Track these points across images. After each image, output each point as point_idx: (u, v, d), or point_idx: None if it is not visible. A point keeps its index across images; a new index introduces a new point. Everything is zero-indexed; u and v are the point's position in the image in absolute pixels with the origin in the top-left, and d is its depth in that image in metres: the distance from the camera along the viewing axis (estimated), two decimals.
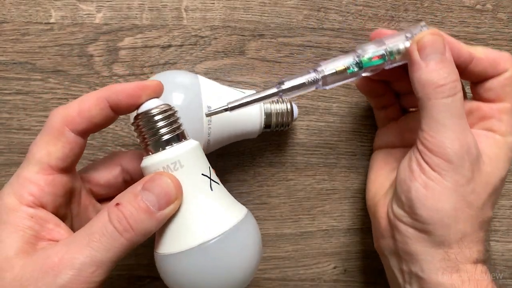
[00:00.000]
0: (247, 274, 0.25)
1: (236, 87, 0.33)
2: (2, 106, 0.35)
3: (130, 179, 0.30)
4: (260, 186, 0.37)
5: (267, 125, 0.33)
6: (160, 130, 0.24)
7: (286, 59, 0.35)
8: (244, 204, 0.37)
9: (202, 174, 0.25)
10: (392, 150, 0.33)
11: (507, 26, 0.36)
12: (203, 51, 0.35)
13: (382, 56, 0.27)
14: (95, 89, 0.35)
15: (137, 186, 0.24)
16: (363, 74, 0.28)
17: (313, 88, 0.27)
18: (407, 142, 0.31)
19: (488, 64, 0.27)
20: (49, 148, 0.24)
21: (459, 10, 0.36)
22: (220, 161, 0.36)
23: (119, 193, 0.30)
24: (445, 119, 0.25)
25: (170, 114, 0.25)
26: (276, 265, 0.37)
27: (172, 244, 0.24)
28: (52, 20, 0.34)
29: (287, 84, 0.27)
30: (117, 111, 0.25)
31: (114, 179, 0.29)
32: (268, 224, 0.37)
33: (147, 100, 0.25)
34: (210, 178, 0.25)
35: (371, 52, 0.27)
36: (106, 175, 0.29)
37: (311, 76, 0.27)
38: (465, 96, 0.30)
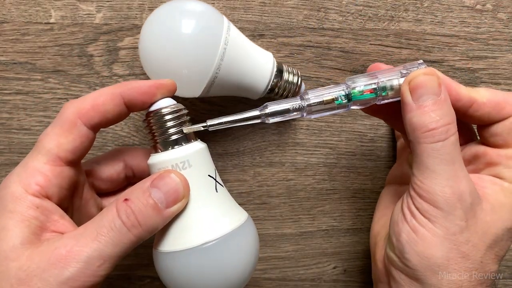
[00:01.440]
0: (243, 278, 0.25)
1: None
2: (2, 106, 0.35)
3: (132, 175, 0.30)
4: (260, 186, 0.37)
5: (273, 88, 0.32)
6: (171, 129, 0.25)
7: (286, 59, 0.35)
8: (244, 204, 0.37)
9: (209, 175, 0.25)
10: (401, 188, 0.32)
11: (507, 26, 0.36)
12: None
13: (373, 91, 0.26)
14: (95, 89, 0.35)
15: (146, 183, 0.24)
16: (352, 107, 0.27)
17: (298, 116, 0.26)
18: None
19: (491, 108, 0.26)
20: (60, 139, 0.24)
21: (459, 10, 0.36)
22: (220, 161, 0.36)
23: (120, 188, 0.30)
24: (434, 165, 0.24)
25: (181, 115, 0.26)
26: (276, 265, 0.37)
27: (173, 242, 0.24)
28: (52, 20, 0.34)
29: (271, 108, 0.26)
30: (131, 107, 0.26)
31: (116, 174, 0.29)
32: (268, 224, 0.37)
33: (160, 99, 0.26)
34: (215, 179, 0.26)
35: (362, 85, 0.26)
36: (109, 170, 0.29)
37: (297, 103, 0.26)
38: (473, 138, 0.29)
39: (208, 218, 0.24)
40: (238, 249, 0.25)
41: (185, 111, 0.26)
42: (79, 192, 0.27)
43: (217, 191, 0.25)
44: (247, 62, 0.30)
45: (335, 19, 0.35)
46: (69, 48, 0.34)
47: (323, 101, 0.26)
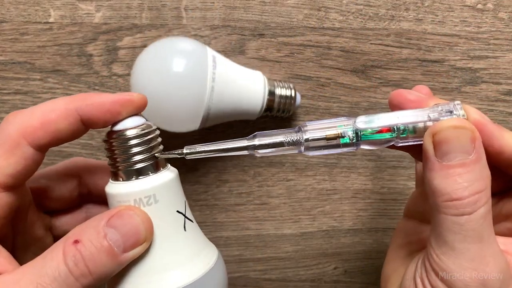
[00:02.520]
0: None
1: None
2: (1, 106, 0.35)
3: (88, 193, 0.26)
4: (260, 186, 0.36)
5: (269, 107, 0.32)
6: (137, 156, 0.21)
7: (286, 59, 0.35)
8: (244, 205, 0.37)
9: (177, 211, 0.22)
10: (421, 227, 0.26)
11: (508, 26, 0.36)
12: None
13: (390, 130, 0.21)
14: (94, 89, 0.35)
15: (101, 221, 0.20)
16: (363, 147, 0.22)
17: (294, 151, 0.22)
18: None
19: None
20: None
21: (460, 9, 0.35)
22: (220, 161, 0.36)
23: (71, 206, 0.26)
24: (455, 242, 0.19)
25: (151, 138, 0.22)
26: (276, 265, 0.37)
27: None
28: (51, 20, 0.34)
29: (260, 140, 0.22)
30: (89, 126, 0.21)
31: (68, 193, 0.25)
32: (268, 225, 0.37)
33: (126, 117, 0.21)
34: (185, 216, 0.22)
35: (376, 126, 0.21)
36: (60, 188, 0.25)
37: (292, 136, 0.22)
38: None
39: (174, 263, 0.21)
40: None
41: (156, 133, 0.22)
42: (22, 215, 0.23)
43: (185, 230, 0.22)
44: (238, 88, 0.30)
45: (336, 19, 0.35)
46: (68, 48, 0.34)
47: (325, 136, 0.21)
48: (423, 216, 0.27)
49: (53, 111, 0.21)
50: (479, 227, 0.19)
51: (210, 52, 0.30)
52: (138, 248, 0.20)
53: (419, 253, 0.23)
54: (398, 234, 0.27)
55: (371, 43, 0.35)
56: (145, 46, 0.35)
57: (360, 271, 0.38)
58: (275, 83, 0.33)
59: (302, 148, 0.22)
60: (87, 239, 0.19)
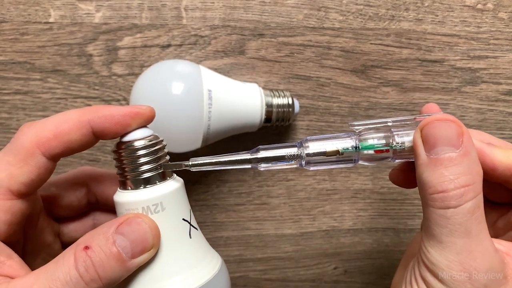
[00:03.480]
0: None
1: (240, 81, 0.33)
2: (1, 106, 0.35)
3: (95, 201, 0.27)
4: (260, 186, 0.36)
5: (268, 118, 0.33)
6: (144, 166, 0.22)
7: (286, 59, 0.35)
8: (244, 205, 0.37)
9: (183, 219, 0.22)
10: None
11: (508, 26, 0.36)
12: (202, 51, 0.35)
13: (386, 144, 0.22)
14: (94, 89, 0.35)
15: (110, 228, 0.20)
16: (361, 162, 0.23)
17: (295, 165, 0.23)
18: None
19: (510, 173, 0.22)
20: (13, 170, 0.21)
21: (460, 9, 0.35)
22: None
23: (80, 214, 0.27)
24: (442, 235, 0.20)
25: (158, 149, 0.22)
26: (276, 265, 0.37)
27: None
28: (51, 20, 0.34)
29: (263, 154, 0.23)
30: (100, 137, 0.22)
31: (77, 201, 0.26)
32: (268, 225, 0.37)
33: (136, 129, 0.22)
34: (190, 223, 0.23)
35: (373, 137, 0.22)
36: (69, 196, 0.26)
37: (293, 150, 0.23)
38: None
39: (179, 270, 0.22)
40: None
41: (163, 144, 0.23)
42: (33, 222, 0.24)
43: (190, 237, 0.22)
44: (235, 104, 0.31)
45: (336, 19, 0.35)
46: (68, 48, 0.34)
47: (325, 151, 0.22)
48: None
49: (67, 123, 0.21)
50: (465, 221, 0.19)
51: (205, 72, 0.30)
52: (145, 254, 0.21)
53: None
54: (412, 245, 0.28)
55: (371, 43, 0.35)
56: (145, 46, 0.35)
57: (360, 271, 0.38)
58: (272, 93, 0.33)
59: (303, 162, 0.23)
60: (96, 245, 0.20)
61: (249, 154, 0.23)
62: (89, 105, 0.35)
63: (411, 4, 0.35)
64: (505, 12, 0.36)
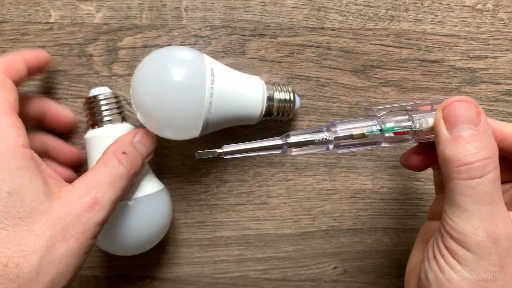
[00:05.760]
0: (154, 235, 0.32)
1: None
2: None
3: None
4: (260, 186, 0.36)
5: (269, 110, 0.32)
6: (106, 112, 0.31)
7: (286, 59, 0.35)
8: (244, 204, 0.37)
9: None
10: None
11: (507, 26, 0.36)
12: (203, 51, 0.35)
13: (406, 126, 0.24)
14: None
15: (133, 138, 0.30)
16: (383, 145, 0.25)
17: (323, 149, 0.24)
18: None
19: None
20: (3, 94, 0.26)
21: (459, 9, 0.35)
22: (220, 161, 0.36)
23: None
24: (467, 204, 0.22)
25: (117, 101, 0.32)
26: (276, 265, 0.37)
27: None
28: (51, 20, 0.34)
29: (294, 138, 0.24)
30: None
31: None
32: (268, 225, 0.37)
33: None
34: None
35: (394, 120, 0.24)
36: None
37: (322, 135, 0.24)
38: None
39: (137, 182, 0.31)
40: (153, 209, 0.31)
41: (118, 99, 0.32)
42: None
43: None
44: (237, 96, 0.30)
45: (335, 19, 0.35)
46: (68, 48, 0.34)
47: (352, 134, 0.24)
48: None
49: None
50: (489, 190, 0.22)
51: (208, 60, 0.30)
52: (149, 157, 0.31)
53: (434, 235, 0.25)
54: (422, 233, 0.30)
55: (371, 43, 0.35)
56: (145, 46, 0.35)
57: (360, 271, 0.38)
58: (274, 87, 0.33)
59: (331, 146, 0.24)
60: (130, 151, 0.29)
61: (280, 140, 0.24)
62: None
63: (410, 4, 0.35)
64: (505, 12, 0.36)
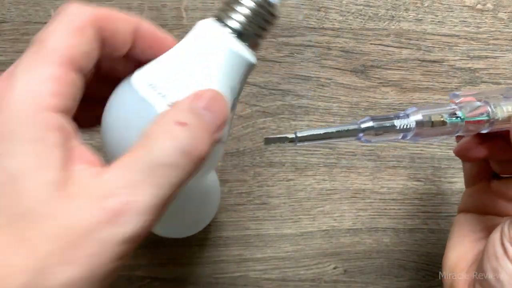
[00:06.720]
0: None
1: None
2: None
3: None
4: (260, 186, 0.36)
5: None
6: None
7: (286, 59, 0.35)
8: (244, 204, 0.37)
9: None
10: (481, 217, 0.28)
11: (507, 26, 0.36)
12: None
13: (485, 113, 0.23)
14: None
15: (198, 103, 0.18)
16: (457, 134, 0.24)
17: (398, 137, 0.22)
18: (501, 211, 0.28)
19: None
20: (71, 39, 0.18)
21: (459, 9, 0.35)
22: (220, 161, 0.36)
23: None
24: None
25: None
26: (276, 265, 0.37)
27: None
28: None
29: (371, 123, 0.21)
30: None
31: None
32: (268, 225, 0.37)
33: None
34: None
35: (471, 106, 0.23)
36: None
37: (403, 121, 0.22)
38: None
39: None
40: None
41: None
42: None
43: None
44: None
45: (335, 19, 0.35)
46: None
47: (432, 121, 0.22)
48: (481, 209, 0.28)
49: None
50: None
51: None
52: (224, 129, 0.19)
53: (490, 235, 0.24)
54: (459, 226, 0.29)
55: (371, 43, 0.35)
56: None
57: (360, 271, 0.38)
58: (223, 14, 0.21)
59: (409, 134, 0.22)
60: (193, 124, 0.18)
61: (357, 125, 0.21)
62: None
63: (410, 4, 0.35)
64: (505, 12, 0.36)
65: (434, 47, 0.36)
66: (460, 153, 0.27)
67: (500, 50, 0.36)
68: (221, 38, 0.20)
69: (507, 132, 0.23)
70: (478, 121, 0.23)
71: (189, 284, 0.37)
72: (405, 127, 0.22)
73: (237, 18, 0.20)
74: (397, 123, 0.21)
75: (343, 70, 0.36)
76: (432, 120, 0.22)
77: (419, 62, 0.36)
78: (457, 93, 0.24)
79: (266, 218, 0.37)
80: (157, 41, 0.21)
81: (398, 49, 0.35)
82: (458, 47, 0.36)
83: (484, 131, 0.24)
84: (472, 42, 0.36)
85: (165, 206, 0.17)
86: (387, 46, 0.35)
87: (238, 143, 0.36)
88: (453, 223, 0.30)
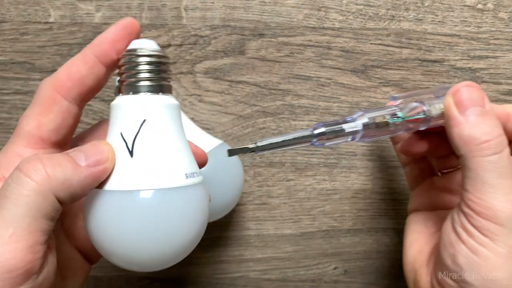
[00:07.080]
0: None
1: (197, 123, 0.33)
2: (1, 106, 0.35)
3: None
4: (260, 186, 0.36)
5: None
6: (142, 74, 0.22)
7: (286, 59, 0.35)
8: (244, 204, 0.37)
9: (121, 135, 0.22)
10: (431, 213, 0.30)
11: (508, 26, 0.36)
12: (202, 51, 0.35)
13: (422, 112, 0.25)
14: None
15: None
16: (400, 132, 0.26)
17: (349, 139, 0.24)
18: (448, 204, 0.29)
19: None
20: (40, 119, 0.22)
21: (460, 9, 0.35)
22: None
23: None
24: (492, 179, 0.23)
25: (160, 62, 0.22)
26: (277, 265, 0.37)
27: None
28: (51, 20, 0.34)
29: (322, 129, 0.24)
30: (106, 62, 0.23)
31: None
32: (268, 225, 0.37)
33: (135, 40, 0.23)
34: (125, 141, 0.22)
35: (411, 106, 0.25)
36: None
37: (350, 125, 0.24)
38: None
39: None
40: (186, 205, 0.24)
41: (167, 61, 0.23)
42: None
43: (131, 156, 0.22)
44: None
45: (336, 19, 0.35)
46: (68, 48, 0.34)
47: (376, 123, 0.24)
48: (429, 206, 0.30)
49: (74, 63, 0.23)
50: (509, 164, 0.23)
51: None
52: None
53: (442, 226, 0.25)
54: (412, 224, 0.30)
55: (371, 43, 0.35)
56: None
57: (360, 271, 0.38)
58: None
59: (357, 136, 0.24)
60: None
61: (310, 131, 0.23)
62: (89, 105, 0.35)
63: (411, 4, 0.35)
64: (505, 12, 0.36)
65: (434, 47, 0.35)
66: (404, 149, 0.29)
67: (500, 50, 0.36)
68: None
69: (442, 127, 0.25)
70: (417, 119, 0.25)
71: (189, 284, 0.37)
72: (353, 130, 0.24)
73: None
74: (346, 127, 0.24)
75: (343, 70, 0.35)
76: (376, 121, 0.24)
77: (420, 62, 0.36)
78: (396, 95, 0.26)
79: (266, 218, 0.37)
80: None
81: (398, 49, 0.35)
82: (459, 47, 0.36)
83: (422, 128, 0.26)
84: (472, 42, 0.36)
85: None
86: (388, 46, 0.35)
87: (238, 143, 0.36)
88: (406, 223, 0.31)
